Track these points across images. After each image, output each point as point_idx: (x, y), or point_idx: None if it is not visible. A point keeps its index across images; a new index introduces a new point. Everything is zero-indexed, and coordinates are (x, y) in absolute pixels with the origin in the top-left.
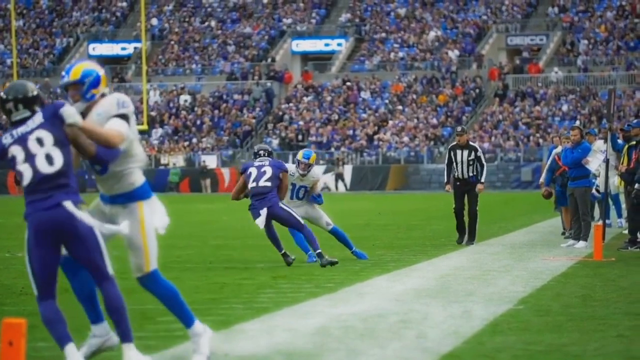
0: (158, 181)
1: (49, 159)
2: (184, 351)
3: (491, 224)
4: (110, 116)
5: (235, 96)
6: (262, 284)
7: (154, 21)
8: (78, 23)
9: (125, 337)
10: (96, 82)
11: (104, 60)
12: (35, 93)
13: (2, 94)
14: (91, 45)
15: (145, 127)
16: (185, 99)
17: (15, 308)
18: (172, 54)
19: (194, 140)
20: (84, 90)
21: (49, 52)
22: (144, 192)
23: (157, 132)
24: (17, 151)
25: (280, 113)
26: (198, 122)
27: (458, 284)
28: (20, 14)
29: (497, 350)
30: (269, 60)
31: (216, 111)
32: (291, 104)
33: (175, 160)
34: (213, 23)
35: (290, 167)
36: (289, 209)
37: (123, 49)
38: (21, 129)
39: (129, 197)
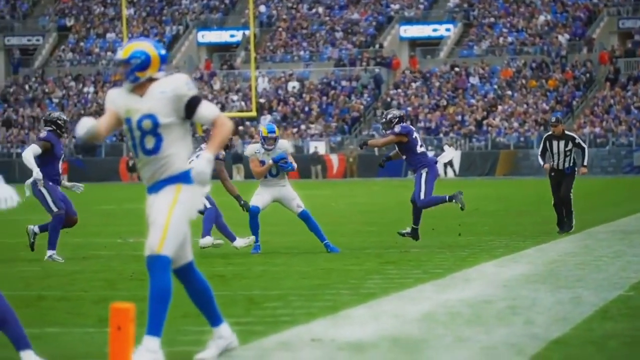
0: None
1: None
2: (290, 337)
3: (602, 209)
4: (178, 95)
5: (343, 82)
6: (370, 269)
7: (262, 8)
8: (187, 11)
9: None
10: (143, 65)
11: (213, 47)
12: None
13: None
14: (200, 33)
15: (254, 113)
16: (293, 85)
17: (126, 293)
18: (280, 41)
19: (302, 126)
20: (128, 71)
21: (158, 40)
22: (186, 177)
23: (266, 118)
24: None
25: (389, 99)
26: (306, 108)
27: (567, 269)
28: (131, 2)
29: (607, 336)
30: (377, 46)
31: (324, 97)
32: (399, 90)
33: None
34: (321, 9)
35: (252, 147)
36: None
37: (232, 36)
38: None
39: (171, 180)
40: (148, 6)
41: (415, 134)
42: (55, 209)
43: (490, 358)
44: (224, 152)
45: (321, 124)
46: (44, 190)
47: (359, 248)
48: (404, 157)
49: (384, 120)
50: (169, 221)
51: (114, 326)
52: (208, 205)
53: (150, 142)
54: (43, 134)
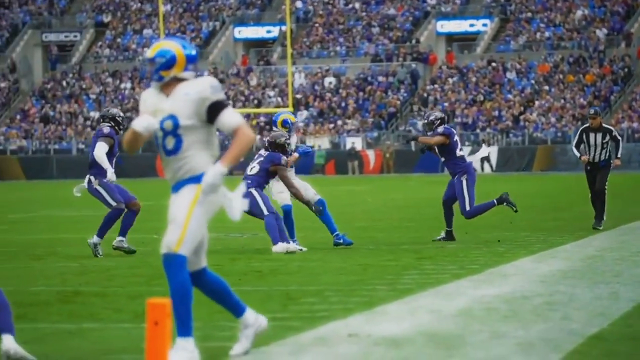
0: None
1: None
2: (327, 332)
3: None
4: (202, 98)
5: (380, 78)
6: (406, 265)
7: (299, 4)
8: (224, 7)
9: None
10: (168, 64)
11: (249, 43)
12: None
13: None
14: (237, 29)
15: (290, 109)
16: (330, 81)
17: (162, 289)
18: (317, 36)
19: (339, 122)
20: (153, 70)
21: (195, 36)
22: None
23: (302, 114)
24: None
25: (425, 94)
26: (343, 104)
27: (605, 265)
28: None
29: None
30: (414, 41)
31: (361, 93)
32: (436, 85)
33: (321, 143)
34: (357, 5)
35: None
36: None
37: (268, 31)
38: None
39: (191, 181)
40: (185, 2)
41: (456, 137)
42: (114, 203)
43: (527, 354)
44: (286, 158)
45: (357, 119)
46: (99, 188)
47: (395, 243)
48: (442, 159)
49: (426, 121)
50: (189, 221)
51: (151, 322)
52: (266, 212)
53: (170, 143)
54: (106, 129)
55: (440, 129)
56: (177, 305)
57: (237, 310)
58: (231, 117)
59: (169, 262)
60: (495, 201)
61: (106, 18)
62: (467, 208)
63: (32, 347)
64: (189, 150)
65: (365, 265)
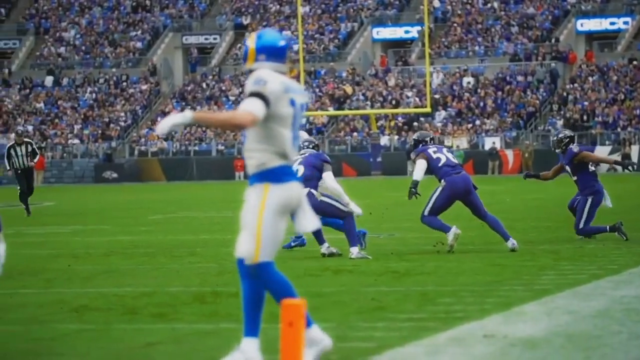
0: None
1: None
2: (462, 333)
3: None
4: (246, 92)
5: (519, 77)
6: (544, 265)
7: (437, 3)
8: (362, 7)
9: None
10: (244, 56)
11: (387, 43)
12: None
13: None
14: (375, 29)
15: (428, 109)
16: (468, 81)
17: (299, 289)
18: (455, 36)
19: (477, 122)
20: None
21: (334, 37)
22: (274, 175)
23: (441, 114)
24: None
25: (565, 94)
26: (481, 104)
27: None
28: (307, 0)
29: None
30: (553, 40)
31: (499, 93)
32: (575, 85)
33: (459, 143)
34: (496, 4)
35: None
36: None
37: (406, 32)
38: None
39: (258, 178)
40: (323, 3)
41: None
42: (345, 209)
43: None
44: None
45: (496, 119)
46: (325, 199)
47: (533, 243)
48: (574, 177)
49: (555, 138)
50: (260, 227)
51: (286, 322)
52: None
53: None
54: None
55: (575, 148)
56: (250, 308)
57: (249, 329)
58: (243, 104)
59: (248, 270)
60: (607, 228)
61: (245, 20)
62: (581, 226)
63: (169, 347)
64: (251, 144)
65: (502, 265)
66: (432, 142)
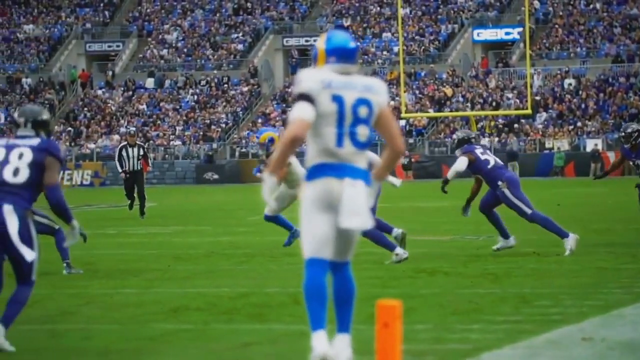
0: (542, 165)
1: (16, 171)
2: (560, 335)
3: None
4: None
5: (621, 79)
6: None
7: (538, 5)
8: (463, 9)
9: None
10: (314, 59)
11: (488, 45)
12: (44, 118)
13: (16, 114)
14: (476, 31)
15: (529, 111)
16: (569, 82)
17: (396, 291)
18: (557, 38)
19: (579, 124)
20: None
21: (434, 38)
22: (311, 172)
23: (542, 116)
24: (0, 152)
25: None
26: (583, 105)
27: None
28: (407, 1)
29: None
30: None
31: (601, 94)
32: None
33: (560, 144)
34: (598, 5)
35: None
36: None
37: (507, 33)
38: (18, 140)
39: (306, 176)
40: (423, 5)
41: None
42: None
43: None
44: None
45: (598, 121)
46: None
47: (633, 246)
48: None
49: (623, 133)
50: (301, 227)
51: (381, 323)
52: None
53: None
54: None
55: None
56: (309, 302)
57: (341, 325)
58: (291, 113)
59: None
60: None
61: (346, 22)
62: None
63: (266, 347)
64: (307, 141)
65: (601, 268)
66: (475, 141)
